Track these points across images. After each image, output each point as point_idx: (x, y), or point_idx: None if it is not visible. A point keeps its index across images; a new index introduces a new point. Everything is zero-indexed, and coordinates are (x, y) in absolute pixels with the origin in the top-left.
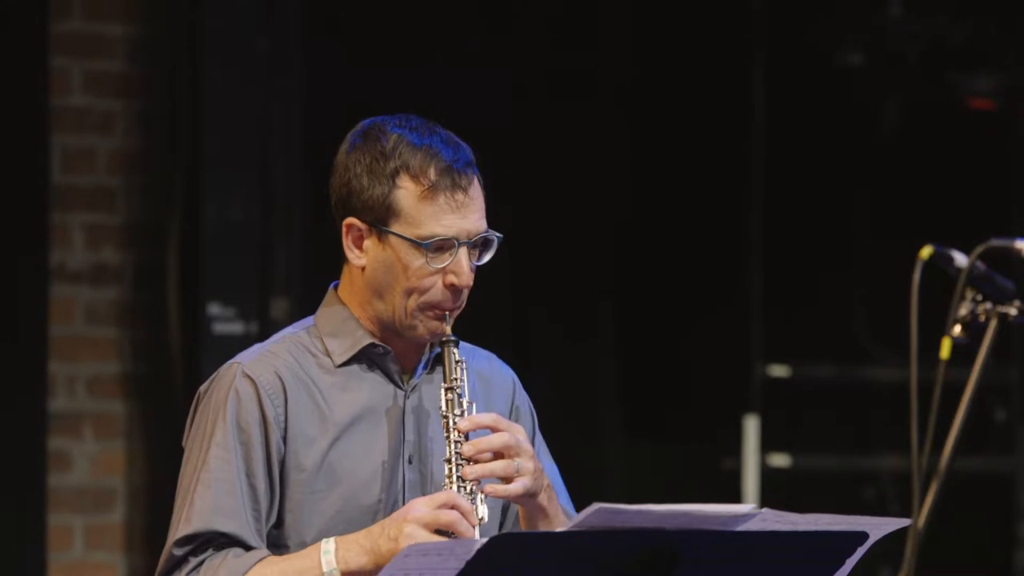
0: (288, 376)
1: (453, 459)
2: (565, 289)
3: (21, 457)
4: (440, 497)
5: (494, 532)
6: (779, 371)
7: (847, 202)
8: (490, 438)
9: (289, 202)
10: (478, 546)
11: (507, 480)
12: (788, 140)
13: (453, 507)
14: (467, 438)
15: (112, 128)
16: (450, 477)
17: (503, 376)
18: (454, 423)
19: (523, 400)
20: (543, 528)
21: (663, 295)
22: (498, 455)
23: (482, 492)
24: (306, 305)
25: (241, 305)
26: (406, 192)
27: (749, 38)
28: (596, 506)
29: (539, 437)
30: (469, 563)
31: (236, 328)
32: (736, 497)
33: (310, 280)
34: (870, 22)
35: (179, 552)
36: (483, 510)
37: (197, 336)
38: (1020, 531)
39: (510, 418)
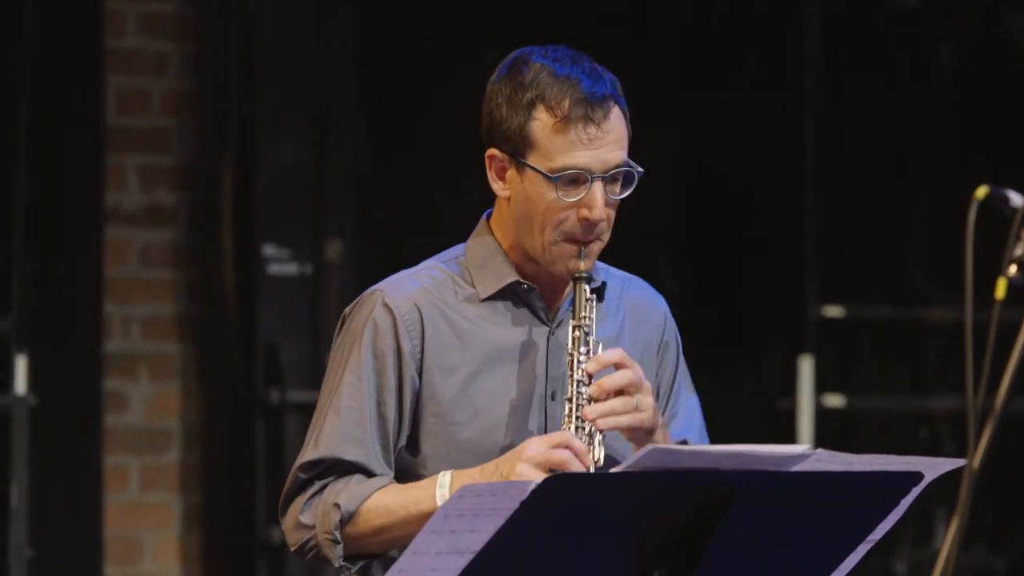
0: (428, 307)
1: (575, 399)
2: (619, 230)
3: (77, 398)
4: (555, 437)
5: None
6: (834, 311)
7: (902, 142)
8: (614, 377)
9: (343, 142)
10: (532, 486)
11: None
12: (843, 80)
13: (567, 447)
14: (591, 379)
15: (166, 69)
16: (569, 416)
17: (656, 308)
18: (579, 362)
19: (672, 332)
20: None
21: (717, 236)
22: (619, 392)
23: (599, 430)
24: (361, 245)
25: (295, 246)
26: (541, 124)
27: None
28: (650, 447)
29: (683, 366)
30: (524, 503)
31: (290, 269)
32: (791, 438)
33: (364, 220)
34: None
35: (304, 476)
36: (599, 452)
37: (252, 277)
38: None
39: (658, 351)
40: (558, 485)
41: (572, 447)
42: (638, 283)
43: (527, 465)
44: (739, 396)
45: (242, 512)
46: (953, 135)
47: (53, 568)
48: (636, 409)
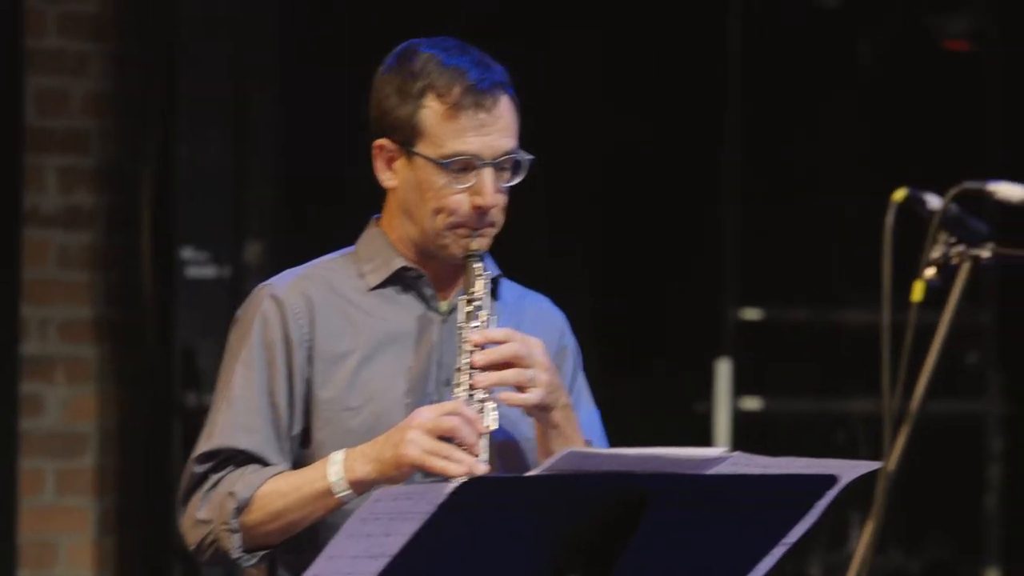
0: (318, 297)
1: (463, 368)
2: (542, 231)
3: None
4: (446, 405)
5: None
6: (752, 314)
7: (822, 144)
8: (500, 347)
9: (264, 145)
10: (450, 489)
11: (521, 390)
12: (765, 82)
13: (457, 414)
14: (481, 351)
15: (86, 70)
16: (460, 386)
17: (554, 316)
18: (468, 335)
19: (570, 342)
20: (560, 448)
21: (638, 238)
22: (511, 365)
23: (495, 400)
24: (280, 249)
25: (214, 249)
26: (430, 111)
27: None
28: (567, 450)
29: (581, 379)
30: (441, 506)
31: (209, 272)
32: (708, 441)
33: (284, 223)
34: None
35: (200, 469)
36: (491, 419)
37: (170, 280)
38: (990, 475)
39: (555, 358)
40: (475, 488)
41: (463, 414)
42: (537, 296)
43: (417, 432)
44: (657, 399)
45: (158, 516)
46: (873, 137)
47: None
48: (531, 383)
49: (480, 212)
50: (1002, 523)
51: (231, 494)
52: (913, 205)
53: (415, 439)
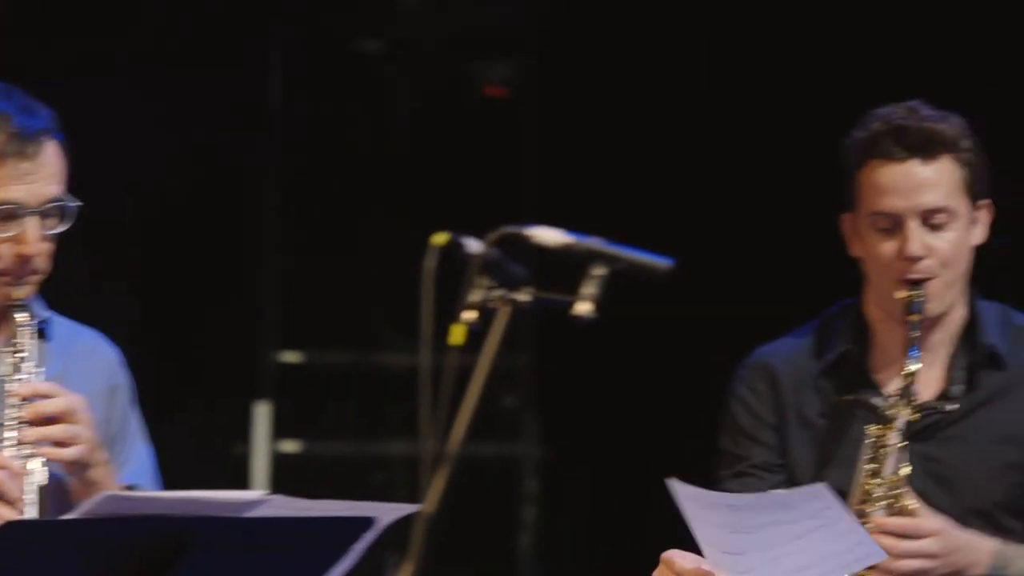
0: None
1: (5, 423)
2: (83, 270)
3: None
4: None
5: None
6: (292, 357)
7: (363, 188)
8: (48, 402)
9: None
10: None
11: (64, 445)
12: (304, 126)
13: (2, 468)
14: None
15: None
16: (7, 441)
17: (105, 353)
18: (14, 387)
19: (123, 378)
20: None
21: (177, 280)
22: (57, 421)
23: (38, 455)
24: None
25: None
26: None
27: (266, 20)
28: (104, 493)
29: (135, 416)
30: None
31: None
32: (246, 483)
33: None
34: (388, 8)
35: None
36: (40, 474)
37: None
38: (524, 515)
39: (107, 395)
40: (9, 533)
41: (7, 468)
42: (89, 332)
43: None
44: (194, 441)
45: None
46: (414, 180)
47: None
48: (74, 439)
49: (23, 260)
50: (536, 562)
51: None
52: (453, 249)
53: None
